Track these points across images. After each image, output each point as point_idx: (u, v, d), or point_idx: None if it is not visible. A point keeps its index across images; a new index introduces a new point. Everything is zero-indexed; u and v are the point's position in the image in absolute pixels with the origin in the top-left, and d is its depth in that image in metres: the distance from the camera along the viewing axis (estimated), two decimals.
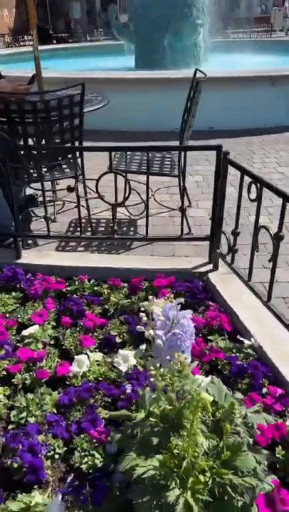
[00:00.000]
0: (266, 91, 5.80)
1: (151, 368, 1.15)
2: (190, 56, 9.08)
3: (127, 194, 2.43)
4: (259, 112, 5.78)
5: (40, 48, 3.81)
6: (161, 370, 1.26)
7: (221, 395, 1.39)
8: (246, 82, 5.84)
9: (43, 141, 3.00)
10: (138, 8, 9.05)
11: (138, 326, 1.14)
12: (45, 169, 3.06)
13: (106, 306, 2.26)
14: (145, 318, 1.11)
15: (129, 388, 1.69)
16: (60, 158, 3.04)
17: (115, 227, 2.50)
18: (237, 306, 2.13)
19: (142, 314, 1.14)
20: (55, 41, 17.54)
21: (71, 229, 3.42)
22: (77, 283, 2.42)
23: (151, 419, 1.31)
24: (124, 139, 5.63)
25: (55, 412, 1.67)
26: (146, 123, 6.03)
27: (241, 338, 1.93)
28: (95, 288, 2.40)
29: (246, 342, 1.91)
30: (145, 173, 3.00)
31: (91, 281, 2.44)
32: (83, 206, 3.77)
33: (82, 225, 2.88)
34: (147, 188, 2.46)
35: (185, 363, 1.12)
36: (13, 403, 1.71)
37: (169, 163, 3.22)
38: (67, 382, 1.81)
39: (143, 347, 1.16)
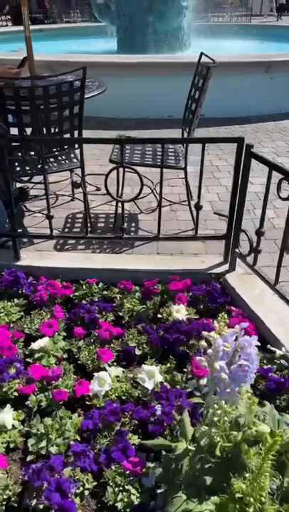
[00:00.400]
0: (259, 77, 5.64)
1: (215, 406, 0.99)
2: (174, 39, 8.81)
3: (139, 189, 2.24)
4: (251, 99, 5.62)
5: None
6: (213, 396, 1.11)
7: (274, 423, 1.25)
8: (239, 67, 5.65)
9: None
10: None
11: (198, 358, 0.98)
12: (38, 162, 2.83)
13: (120, 313, 2.08)
14: (211, 351, 0.94)
15: (159, 409, 1.54)
16: (55, 150, 2.81)
17: (124, 226, 2.31)
18: (261, 311, 1.99)
19: (202, 344, 0.97)
20: (29, 22, 16.80)
21: (68, 225, 3.21)
22: (84, 287, 2.23)
23: (202, 455, 1.16)
24: (112, 126, 5.40)
25: (79, 439, 1.50)
26: (134, 110, 5.80)
27: (272, 348, 1.80)
28: (105, 292, 2.22)
29: (278, 352, 1.78)
30: (152, 165, 2.82)
31: (99, 285, 2.25)
32: (78, 199, 3.56)
33: (81, 220, 2.68)
34: (161, 182, 2.27)
35: (254, 400, 0.97)
36: (29, 429, 1.53)
37: (172, 154, 3.04)
38: (87, 403, 1.64)
39: (203, 381, 0.99)
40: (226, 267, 2.34)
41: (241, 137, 2.04)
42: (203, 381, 1.00)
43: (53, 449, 1.45)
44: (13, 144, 2.46)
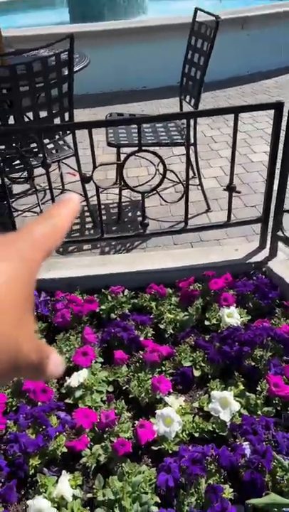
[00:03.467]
0: (236, 35, 5.25)
1: None
2: (131, 4, 8.24)
3: (161, 177, 1.90)
4: (231, 60, 5.24)
5: None
6: None
7: None
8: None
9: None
10: None
11: None
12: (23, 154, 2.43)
13: (159, 325, 1.78)
14: None
15: (248, 449, 1.26)
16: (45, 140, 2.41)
17: (146, 221, 1.97)
18: None
19: None
20: None
21: None
22: (110, 297, 1.90)
23: None
24: (86, 104, 4.95)
25: (159, 500, 1.21)
26: (104, 84, 5.34)
27: None
28: (134, 301, 1.91)
29: None
30: (158, 144, 2.48)
31: (125, 292, 1.93)
32: (70, 190, 3.18)
33: (79, 215, 2.33)
34: (187, 165, 1.93)
35: None
36: (94, 495, 1.23)
37: (175, 130, 2.69)
38: (153, 448, 1.35)
39: None
40: (265, 253, 2.05)
41: (279, 102, 1.72)
42: None
43: None
44: None
